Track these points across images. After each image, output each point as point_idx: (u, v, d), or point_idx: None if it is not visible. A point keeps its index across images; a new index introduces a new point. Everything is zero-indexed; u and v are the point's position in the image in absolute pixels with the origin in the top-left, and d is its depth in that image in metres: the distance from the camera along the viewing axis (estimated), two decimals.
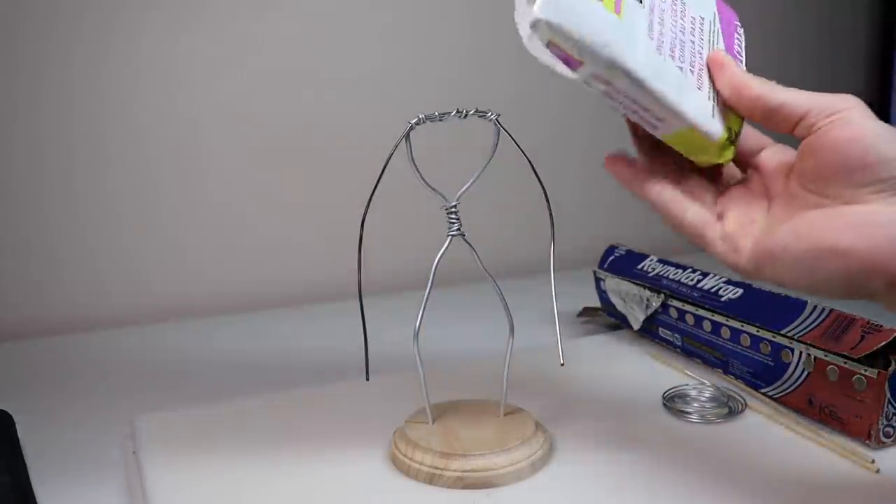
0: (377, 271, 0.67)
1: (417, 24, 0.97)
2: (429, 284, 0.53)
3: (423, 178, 0.51)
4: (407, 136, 0.50)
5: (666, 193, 0.48)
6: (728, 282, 0.69)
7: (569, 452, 0.55)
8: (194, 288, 0.94)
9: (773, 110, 0.45)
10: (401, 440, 0.54)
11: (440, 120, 0.50)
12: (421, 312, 0.53)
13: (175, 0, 0.88)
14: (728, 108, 0.48)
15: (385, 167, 0.50)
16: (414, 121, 0.50)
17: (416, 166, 0.51)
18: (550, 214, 0.48)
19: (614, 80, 0.46)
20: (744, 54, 0.51)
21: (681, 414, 0.61)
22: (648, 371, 0.70)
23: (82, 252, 0.89)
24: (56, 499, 0.54)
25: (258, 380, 0.73)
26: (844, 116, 0.43)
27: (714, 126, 0.47)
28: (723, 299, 0.67)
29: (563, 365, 0.53)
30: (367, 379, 0.55)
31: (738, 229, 0.47)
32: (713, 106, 0.47)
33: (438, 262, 0.53)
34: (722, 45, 0.49)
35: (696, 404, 0.62)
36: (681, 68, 0.47)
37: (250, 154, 0.94)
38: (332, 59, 0.94)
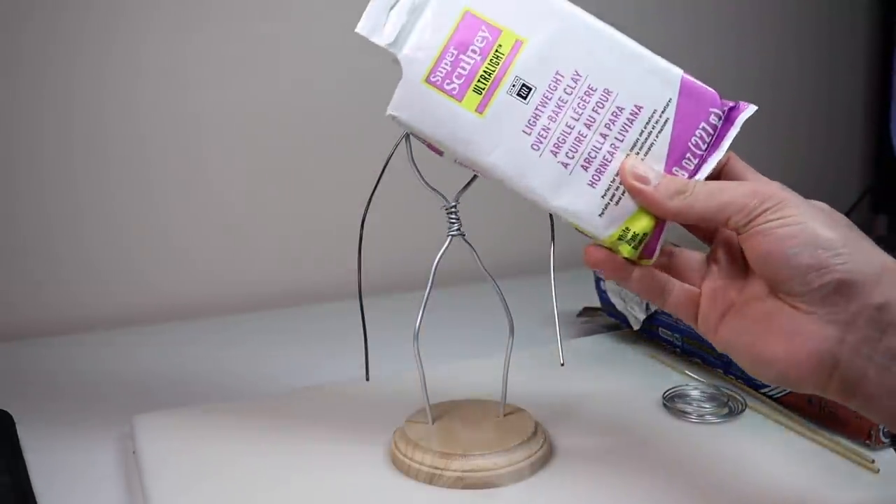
0: (377, 271, 0.67)
1: None
2: (429, 284, 0.53)
3: (422, 178, 0.51)
4: (407, 136, 0.50)
5: (645, 281, 0.47)
6: None
7: (569, 452, 0.55)
8: (194, 288, 0.94)
9: (694, 224, 0.45)
10: (401, 440, 0.54)
11: None
12: (421, 312, 0.53)
13: (176, 1, 0.88)
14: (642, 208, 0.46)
15: (385, 167, 0.50)
16: None
17: (415, 166, 0.51)
18: (550, 214, 0.48)
19: (477, 170, 0.47)
20: (721, 146, 0.46)
21: (681, 414, 0.61)
22: (648, 371, 0.70)
23: (82, 252, 0.89)
24: (56, 498, 0.54)
25: (258, 380, 0.73)
26: (767, 222, 0.41)
27: (596, 224, 0.46)
28: None
29: (563, 365, 0.53)
30: (367, 379, 0.55)
31: (708, 307, 0.46)
32: (607, 204, 0.45)
33: (438, 262, 0.53)
34: (664, 139, 0.46)
35: (695, 404, 0.62)
36: (565, 165, 0.45)
37: (250, 154, 0.94)
38: (332, 59, 0.94)
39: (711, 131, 0.46)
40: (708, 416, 0.60)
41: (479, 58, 0.45)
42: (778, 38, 1.19)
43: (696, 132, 0.46)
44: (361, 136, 0.93)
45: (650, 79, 0.46)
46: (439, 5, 0.46)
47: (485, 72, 0.45)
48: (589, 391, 0.65)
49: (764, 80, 1.16)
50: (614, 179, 0.45)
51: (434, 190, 0.52)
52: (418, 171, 0.51)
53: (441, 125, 0.46)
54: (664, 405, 0.62)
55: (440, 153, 0.48)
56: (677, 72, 0.46)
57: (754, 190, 0.42)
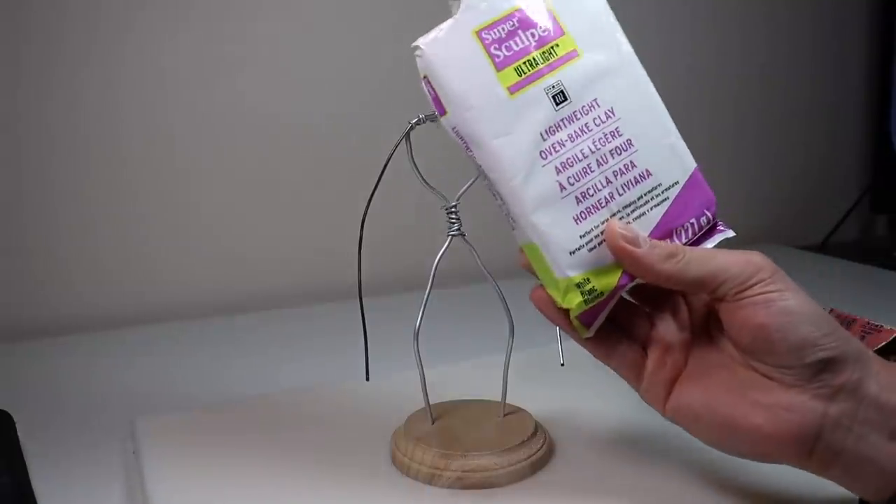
0: (377, 271, 0.67)
1: (418, 25, 0.97)
2: (429, 284, 0.53)
3: (423, 179, 0.51)
4: (407, 136, 0.50)
5: (596, 335, 0.46)
6: None
7: (569, 452, 0.55)
8: (194, 288, 0.94)
9: (688, 286, 0.44)
10: (401, 440, 0.54)
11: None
12: (421, 312, 0.53)
13: (167, 4, 0.88)
14: (610, 266, 0.44)
15: (385, 167, 0.50)
16: (414, 121, 0.50)
17: (416, 166, 0.51)
18: None
19: (473, 148, 0.44)
20: (704, 245, 0.46)
21: None
22: None
23: (84, 252, 0.89)
24: (56, 499, 0.54)
25: (258, 380, 0.73)
26: (762, 293, 0.42)
27: (561, 260, 0.44)
28: None
29: (563, 365, 0.53)
30: (368, 379, 0.55)
31: (654, 372, 0.46)
32: (581, 246, 0.44)
33: (438, 262, 0.53)
34: (657, 214, 0.45)
35: None
36: (562, 187, 0.44)
37: (250, 154, 0.94)
38: (331, 58, 0.94)
39: (696, 229, 0.46)
40: None
41: (534, 43, 0.44)
42: (778, 38, 1.19)
43: (686, 223, 0.46)
44: (362, 136, 0.93)
45: (669, 154, 0.45)
46: None
47: (533, 58, 0.43)
48: (589, 391, 0.64)
49: (764, 81, 1.16)
50: (598, 226, 0.44)
51: (434, 190, 0.52)
52: (418, 171, 0.51)
53: (465, 80, 0.43)
54: None
55: (440, 111, 0.45)
56: (693, 162, 0.46)
57: (748, 260, 0.42)
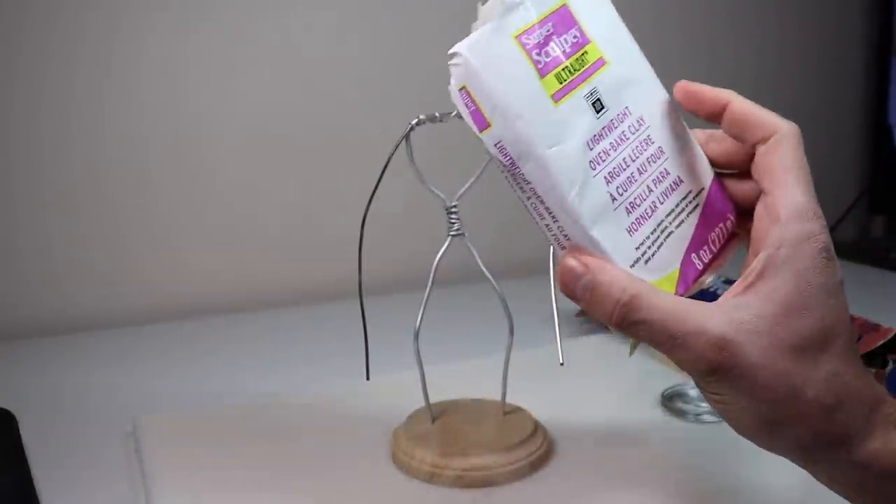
0: (377, 271, 0.68)
1: (419, 25, 0.97)
2: (429, 284, 0.53)
3: (422, 179, 0.51)
4: (407, 136, 0.50)
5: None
6: (726, 281, 0.69)
7: (569, 452, 0.56)
8: (194, 288, 0.94)
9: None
10: (401, 439, 0.55)
11: (440, 121, 0.51)
12: (421, 312, 0.53)
13: (177, 0, 0.88)
14: (665, 278, 0.42)
15: (385, 167, 0.50)
16: (414, 121, 0.50)
17: (416, 166, 0.51)
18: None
19: (522, 163, 0.40)
20: (724, 258, 0.44)
21: (679, 413, 0.61)
22: (647, 371, 0.70)
23: (83, 252, 0.89)
24: (58, 497, 0.54)
25: (258, 380, 0.73)
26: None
27: None
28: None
29: (563, 365, 0.53)
30: (368, 379, 0.55)
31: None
32: (638, 258, 0.42)
33: (438, 262, 0.53)
34: (692, 221, 0.44)
35: (694, 403, 0.62)
36: (613, 198, 0.41)
37: (250, 154, 0.94)
38: (332, 59, 0.95)
39: (724, 236, 0.45)
40: (706, 416, 0.60)
41: (568, 49, 0.41)
42: (776, 37, 1.19)
43: (717, 229, 0.45)
44: (362, 137, 0.93)
45: (694, 161, 0.44)
46: None
47: (570, 65, 0.41)
48: (588, 391, 0.65)
49: (762, 80, 1.16)
50: (649, 236, 0.42)
51: (433, 191, 0.52)
52: (418, 171, 0.51)
53: (512, 87, 0.39)
54: (663, 405, 0.63)
55: (481, 126, 0.40)
56: (710, 169, 0.45)
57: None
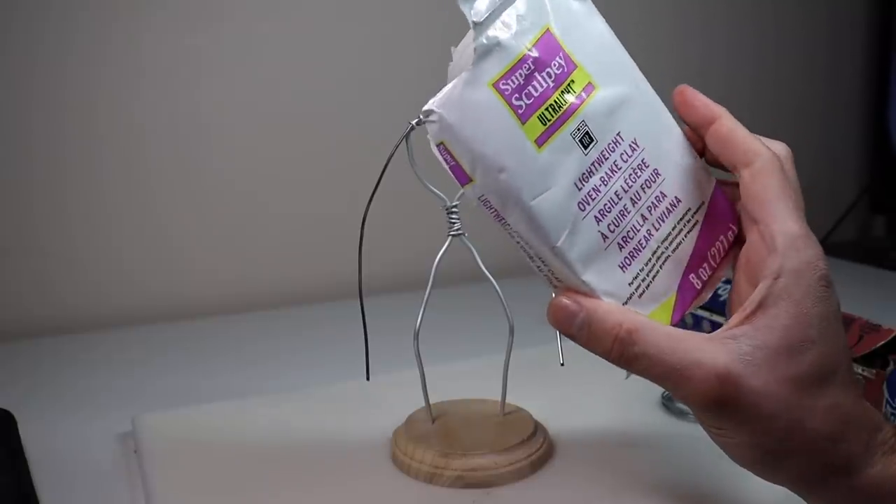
0: (377, 271, 0.68)
1: (420, 25, 0.97)
2: (429, 284, 0.53)
3: (422, 180, 0.51)
4: (407, 136, 0.50)
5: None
6: (727, 281, 0.69)
7: (569, 452, 0.56)
8: (194, 288, 0.94)
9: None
10: (401, 439, 0.55)
11: None
12: (421, 312, 0.53)
13: (174, 0, 0.88)
14: (660, 308, 0.42)
15: (385, 167, 0.50)
16: (414, 121, 0.49)
17: (416, 167, 0.51)
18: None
19: (507, 215, 0.39)
20: (723, 269, 0.44)
21: (680, 414, 0.61)
22: None
23: (83, 252, 0.89)
24: (57, 498, 0.54)
25: (258, 380, 0.73)
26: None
27: None
28: (721, 299, 0.67)
29: (563, 365, 0.53)
30: (368, 379, 0.55)
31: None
32: (632, 294, 0.41)
33: (438, 262, 0.53)
34: (691, 241, 0.43)
35: None
36: (604, 237, 0.40)
37: (249, 154, 0.94)
38: (332, 59, 0.95)
39: (725, 248, 0.44)
40: None
41: (552, 83, 0.39)
42: (776, 36, 1.19)
43: (716, 243, 0.44)
44: (362, 136, 0.93)
45: (692, 177, 0.43)
46: (527, 7, 0.40)
47: (555, 102, 0.39)
48: (589, 391, 0.65)
49: (762, 80, 1.16)
50: (643, 268, 0.41)
51: (433, 191, 0.52)
52: (418, 171, 0.51)
53: (491, 139, 0.38)
54: (663, 405, 0.62)
55: (462, 181, 0.39)
56: (711, 177, 0.44)
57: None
